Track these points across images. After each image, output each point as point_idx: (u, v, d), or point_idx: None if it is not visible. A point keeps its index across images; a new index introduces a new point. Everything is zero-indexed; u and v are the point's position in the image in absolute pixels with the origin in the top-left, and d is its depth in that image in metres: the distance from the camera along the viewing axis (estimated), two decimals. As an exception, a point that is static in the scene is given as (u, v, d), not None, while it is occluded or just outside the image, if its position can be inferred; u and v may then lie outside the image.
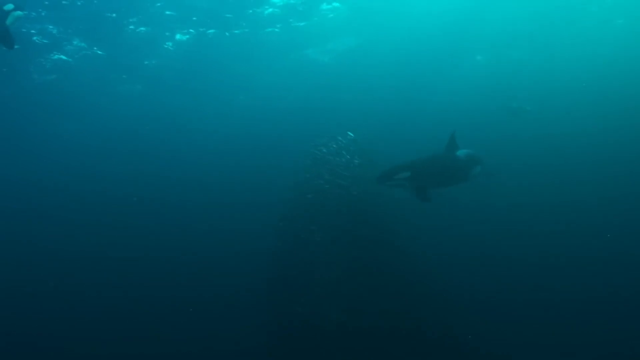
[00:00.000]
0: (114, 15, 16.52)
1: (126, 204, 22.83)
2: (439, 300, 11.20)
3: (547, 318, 12.67)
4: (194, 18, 17.65)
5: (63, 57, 18.54)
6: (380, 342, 10.32)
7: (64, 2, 15.25)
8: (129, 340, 13.56)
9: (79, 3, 15.42)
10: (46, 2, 15.23)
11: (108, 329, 14.05)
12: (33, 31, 16.65)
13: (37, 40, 17.03)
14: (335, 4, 18.20)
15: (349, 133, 12.40)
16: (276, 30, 19.16)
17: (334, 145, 12.13)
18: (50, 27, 16.56)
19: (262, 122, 25.81)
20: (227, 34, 18.85)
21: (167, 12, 16.94)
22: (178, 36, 18.71)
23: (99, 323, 14.31)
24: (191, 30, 18.41)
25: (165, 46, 19.18)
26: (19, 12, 9.01)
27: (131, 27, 17.30)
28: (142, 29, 17.56)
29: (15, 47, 9.26)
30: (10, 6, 8.85)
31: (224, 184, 24.64)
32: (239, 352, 12.48)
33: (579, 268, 14.06)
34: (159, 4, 16.44)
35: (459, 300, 11.58)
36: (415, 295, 10.97)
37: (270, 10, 17.73)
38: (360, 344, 10.20)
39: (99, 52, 18.65)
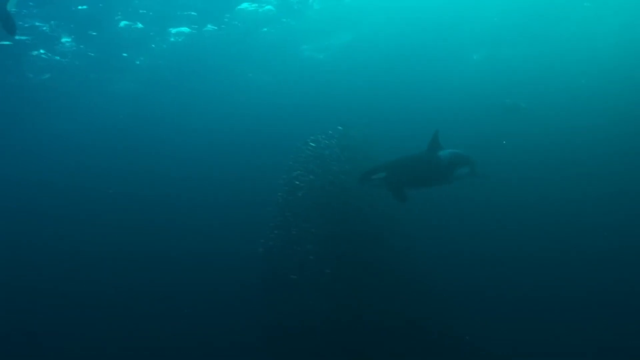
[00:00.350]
0: (106, 13, 16.31)
1: (123, 203, 22.78)
2: (438, 299, 11.21)
3: (546, 317, 12.67)
4: (188, 15, 17.48)
5: (57, 57, 18.37)
6: (378, 342, 10.32)
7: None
8: (126, 339, 13.55)
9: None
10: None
11: (106, 328, 14.04)
12: (24, 29, 16.40)
13: (29, 40, 16.78)
14: (331, 2, 18.10)
15: (339, 127, 12.34)
16: (271, 28, 19.05)
17: (327, 141, 12.08)
18: (43, 25, 16.31)
19: (257, 119, 25.80)
20: (221, 32, 18.71)
21: (161, 11, 16.76)
22: (172, 37, 18.57)
23: (98, 322, 14.32)
24: (185, 29, 18.25)
25: (160, 45, 19.01)
26: None
27: (121, 25, 17.10)
28: (135, 27, 17.38)
29: (10, 39, 9.07)
30: None
31: (219, 182, 24.60)
32: (234, 350, 12.53)
33: (577, 267, 14.07)
34: (153, 2, 16.27)
35: (459, 299, 11.61)
36: (414, 294, 10.96)
37: (265, 7, 17.59)
38: (357, 343, 10.20)
39: (93, 51, 18.48)
